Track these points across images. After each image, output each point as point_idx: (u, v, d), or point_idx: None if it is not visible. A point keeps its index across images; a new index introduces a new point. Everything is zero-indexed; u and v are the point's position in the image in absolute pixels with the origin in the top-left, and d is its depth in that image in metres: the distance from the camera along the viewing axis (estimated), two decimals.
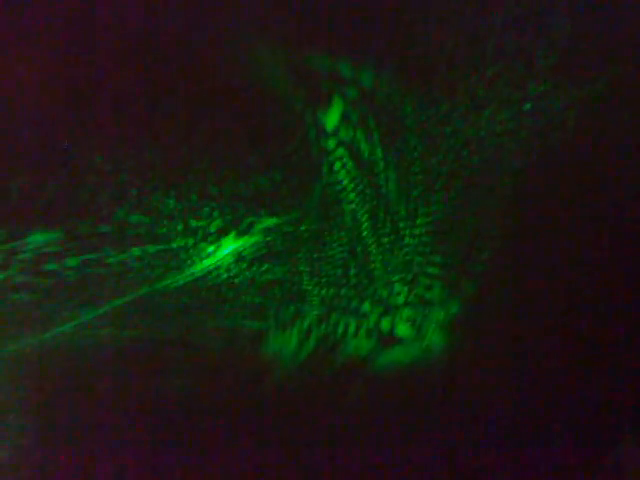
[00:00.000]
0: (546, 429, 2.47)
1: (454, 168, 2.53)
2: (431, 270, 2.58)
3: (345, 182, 2.55)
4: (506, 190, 2.51)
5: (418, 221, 2.57)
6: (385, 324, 2.58)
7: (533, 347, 2.46)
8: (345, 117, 2.50)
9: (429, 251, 2.58)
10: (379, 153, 2.52)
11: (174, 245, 2.58)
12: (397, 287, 2.58)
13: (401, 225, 2.56)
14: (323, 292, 2.59)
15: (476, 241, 2.54)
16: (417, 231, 2.57)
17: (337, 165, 2.53)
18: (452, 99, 2.49)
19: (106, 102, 2.46)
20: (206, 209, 2.57)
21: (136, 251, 2.58)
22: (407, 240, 2.57)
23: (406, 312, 2.57)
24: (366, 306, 2.59)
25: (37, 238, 2.46)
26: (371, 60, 2.44)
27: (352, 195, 2.55)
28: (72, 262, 2.52)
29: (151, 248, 2.57)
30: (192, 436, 2.57)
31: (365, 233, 2.58)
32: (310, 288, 2.59)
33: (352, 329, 2.60)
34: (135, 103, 2.48)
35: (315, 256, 2.58)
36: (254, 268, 2.58)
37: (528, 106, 2.50)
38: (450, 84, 2.45)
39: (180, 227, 2.58)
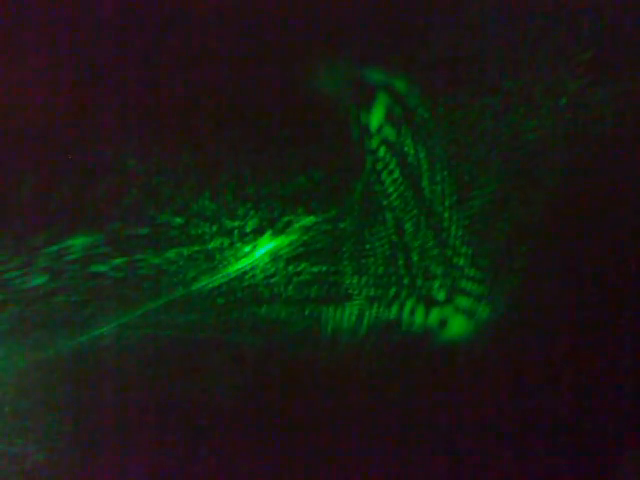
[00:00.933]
0: (556, 434, 2.50)
1: (495, 168, 2.52)
2: (472, 269, 2.58)
3: (387, 182, 2.54)
4: (548, 190, 2.51)
5: (458, 221, 2.56)
6: (431, 318, 2.59)
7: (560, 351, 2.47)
8: (388, 118, 2.49)
9: (470, 250, 2.58)
10: (421, 154, 2.51)
11: (210, 246, 2.58)
12: (438, 283, 2.58)
13: (444, 224, 2.56)
14: (364, 290, 2.59)
15: (516, 241, 2.54)
16: (458, 231, 2.56)
17: (379, 165, 2.51)
18: (491, 100, 2.47)
19: (139, 103, 2.44)
20: (242, 209, 2.56)
21: (172, 253, 2.58)
22: (448, 239, 2.57)
23: (449, 308, 2.58)
24: (409, 303, 2.60)
25: (78, 241, 2.46)
26: (415, 68, 2.44)
27: (393, 194, 2.54)
28: (111, 265, 2.52)
29: (187, 250, 2.57)
30: (235, 436, 2.59)
31: (406, 231, 2.57)
32: (350, 286, 2.58)
33: (394, 326, 2.61)
34: (169, 103, 2.46)
35: (355, 254, 2.58)
36: (291, 267, 2.58)
37: (564, 101, 2.48)
38: (489, 86, 2.45)
39: (215, 228, 2.57)
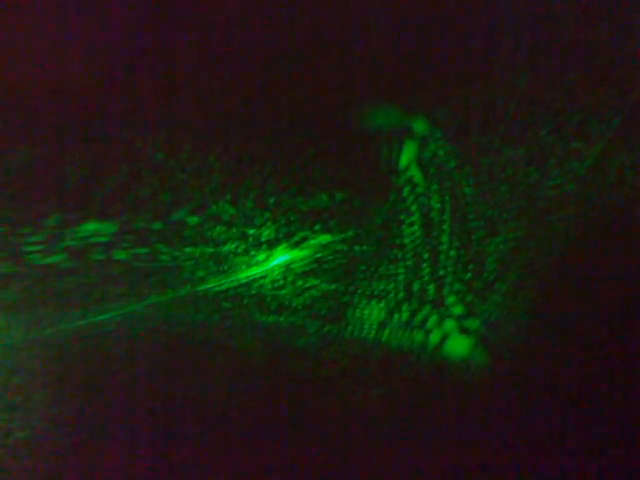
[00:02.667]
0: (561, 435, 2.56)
1: (515, 211, 2.57)
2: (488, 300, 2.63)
3: (409, 212, 2.58)
4: (556, 247, 2.57)
5: (471, 259, 2.61)
6: (441, 344, 2.64)
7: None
8: (417, 157, 2.55)
9: (480, 285, 2.63)
10: (446, 197, 2.57)
11: (223, 249, 2.62)
12: (449, 314, 2.64)
13: (460, 260, 2.61)
14: (373, 314, 2.64)
15: (531, 276, 2.59)
16: (469, 268, 2.61)
17: (405, 191, 2.56)
18: (513, 148, 2.53)
19: (175, 100, 2.48)
20: (260, 218, 2.60)
21: (184, 251, 2.63)
22: (462, 274, 2.62)
23: (460, 338, 2.63)
24: (417, 335, 2.65)
25: (90, 227, 2.50)
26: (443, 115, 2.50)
27: (414, 225, 2.59)
28: (120, 255, 2.57)
29: (199, 250, 2.62)
30: (224, 441, 2.64)
31: (422, 263, 2.61)
32: (359, 308, 2.63)
33: (401, 352, 2.66)
34: (204, 103, 2.50)
35: (368, 277, 2.62)
36: (300, 282, 2.63)
37: (588, 163, 2.54)
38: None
39: (231, 232, 2.62)
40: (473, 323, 2.60)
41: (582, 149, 2.56)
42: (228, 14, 2.47)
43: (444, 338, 2.61)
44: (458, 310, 2.61)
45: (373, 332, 2.63)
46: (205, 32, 2.46)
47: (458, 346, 2.61)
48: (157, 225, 2.56)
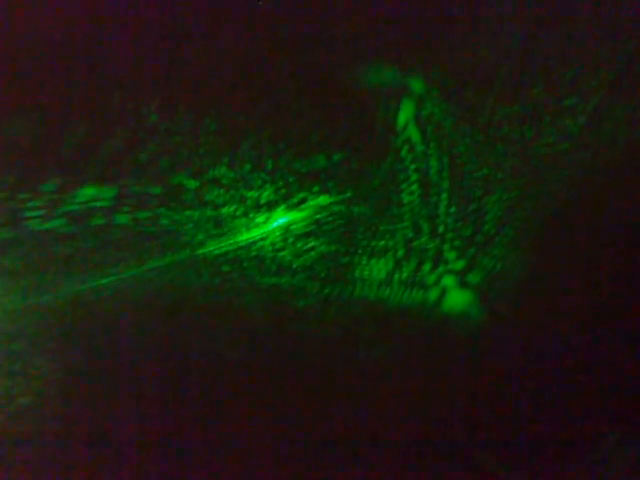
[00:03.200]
0: (536, 423, 2.62)
1: (510, 169, 2.61)
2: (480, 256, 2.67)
3: (408, 172, 2.60)
4: (546, 193, 2.61)
5: (469, 214, 2.65)
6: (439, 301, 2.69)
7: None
8: (416, 116, 2.56)
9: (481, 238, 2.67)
10: (443, 152, 2.58)
11: (222, 212, 2.64)
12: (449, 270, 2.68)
13: (459, 218, 2.64)
14: (373, 273, 2.68)
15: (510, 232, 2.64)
16: (467, 225, 2.65)
17: (403, 152, 2.58)
18: (508, 107, 2.55)
19: (170, 61, 2.47)
20: (258, 180, 2.62)
21: (182, 215, 2.64)
22: (463, 231, 2.66)
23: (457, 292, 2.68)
24: (417, 292, 2.69)
25: (88, 192, 2.51)
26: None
27: (414, 186, 2.61)
28: (120, 219, 2.58)
29: (198, 213, 2.64)
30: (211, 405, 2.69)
31: (421, 225, 2.64)
32: (359, 269, 2.67)
33: (398, 313, 2.70)
34: (199, 65, 2.50)
35: (366, 239, 2.65)
36: (300, 244, 2.65)
37: (582, 120, 2.56)
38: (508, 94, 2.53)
39: (230, 195, 2.63)
40: (473, 278, 2.64)
41: (576, 106, 2.58)
42: None
43: (444, 294, 2.65)
44: (458, 266, 2.65)
45: (374, 291, 2.67)
46: None
47: (459, 301, 2.65)
48: (156, 189, 2.57)
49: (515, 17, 2.53)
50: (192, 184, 2.62)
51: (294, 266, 2.68)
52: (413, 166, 2.61)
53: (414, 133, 2.58)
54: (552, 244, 2.63)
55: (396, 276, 2.65)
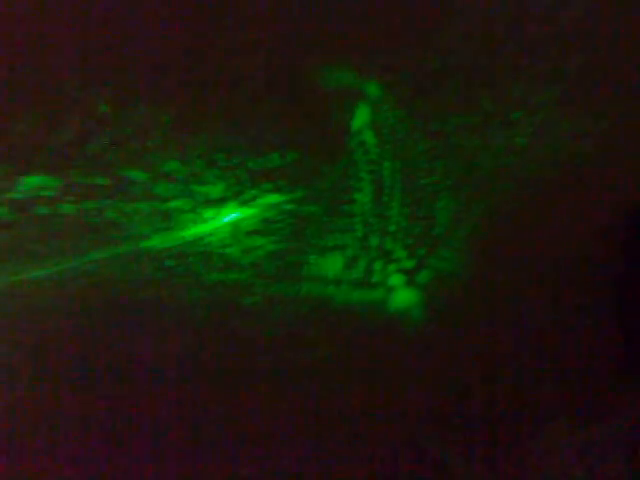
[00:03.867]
0: (484, 408, 2.75)
1: (452, 178, 2.71)
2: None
3: (360, 174, 2.66)
4: (488, 191, 2.73)
5: (420, 216, 2.73)
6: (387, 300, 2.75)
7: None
8: (371, 120, 2.62)
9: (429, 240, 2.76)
10: (396, 156, 2.66)
11: (170, 206, 2.62)
12: (396, 271, 2.75)
13: (409, 224, 2.72)
14: (316, 272, 2.72)
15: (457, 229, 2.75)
16: (417, 230, 2.73)
17: (357, 155, 2.63)
18: (456, 114, 2.65)
19: (122, 50, 2.44)
20: (209, 175, 2.61)
21: (129, 207, 2.61)
22: (405, 236, 2.73)
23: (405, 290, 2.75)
24: (364, 291, 2.75)
25: (33, 181, 2.45)
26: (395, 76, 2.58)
27: (366, 188, 2.67)
28: (65, 210, 2.53)
29: (145, 206, 2.61)
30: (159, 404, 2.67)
31: (371, 227, 2.71)
32: (306, 268, 2.70)
33: (344, 312, 2.75)
34: (154, 59, 2.47)
35: (314, 238, 2.69)
36: (248, 241, 2.67)
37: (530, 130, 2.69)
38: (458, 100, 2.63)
39: (179, 189, 2.62)
40: (422, 277, 2.73)
41: (523, 119, 2.70)
42: None
43: (393, 292, 2.72)
44: (408, 265, 2.72)
45: (321, 290, 2.71)
46: None
47: (407, 300, 2.73)
48: (103, 180, 2.53)
49: (467, 31, 2.62)
50: (141, 177, 2.58)
51: (241, 263, 2.69)
52: (366, 168, 2.67)
53: (368, 136, 2.64)
54: (498, 249, 2.74)
55: (345, 275, 2.71)
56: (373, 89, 2.61)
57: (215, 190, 2.62)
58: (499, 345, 2.70)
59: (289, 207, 2.68)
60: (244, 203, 2.66)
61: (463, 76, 2.64)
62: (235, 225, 2.67)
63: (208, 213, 2.65)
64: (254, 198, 2.65)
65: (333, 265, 2.72)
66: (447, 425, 2.71)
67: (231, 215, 2.66)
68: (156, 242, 2.67)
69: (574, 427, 2.70)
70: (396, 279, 2.76)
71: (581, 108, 2.71)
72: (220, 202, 2.64)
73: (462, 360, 2.68)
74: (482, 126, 2.68)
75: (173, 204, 2.62)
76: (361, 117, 2.62)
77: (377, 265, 2.75)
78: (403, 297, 2.75)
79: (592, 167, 2.74)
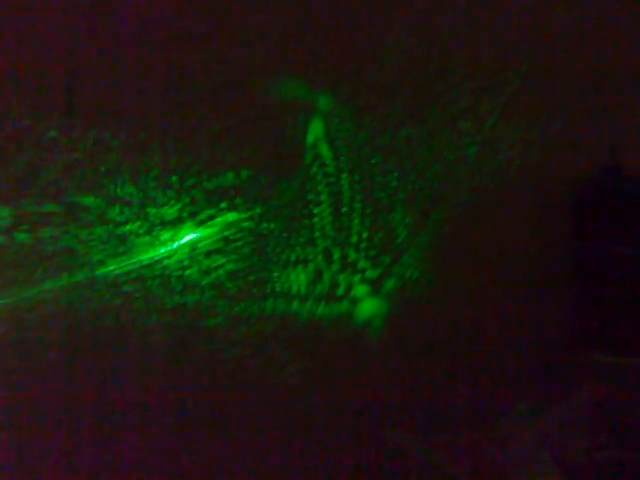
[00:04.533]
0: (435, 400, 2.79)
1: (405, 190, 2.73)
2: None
3: (318, 188, 2.66)
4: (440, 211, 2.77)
5: (377, 229, 2.74)
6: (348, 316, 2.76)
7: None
8: (325, 133, 2.62)
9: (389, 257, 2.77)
10: (347, 168, 2.67)
11: (123, 229, 2.59)
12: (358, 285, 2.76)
13: (362, 235, 2.73)
14: (279, 289, 2.71)
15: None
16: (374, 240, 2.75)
17: (313, 169, 2.63)
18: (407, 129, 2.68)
19: (70, 73, 2.41)
20: (163, 197, 2.59)
21: (81, 233, 2.57)
22: (365, 252, 2.75)
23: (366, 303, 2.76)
24: (328, 306, 2.75)
25: None
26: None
27: (325, 202, 2.67)
28: (18, 238, 2.48)
29: (99, 230, 2.57)
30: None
31: (331, 240, 2.71)
32: (268, 286, 2.69)
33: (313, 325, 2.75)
34: (103, 78, 2.44)
35: (275, 255, 2.68)
36: (207, 262, 2.65)
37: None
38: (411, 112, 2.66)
39: (132, 212, 2.59)
40: (387, 286, 2.74)
41: (471, 129, 2.74)
42: None
43: (358, 304, 2.73)
44: (371, 276, 2.73)
45: (285, 307, 2.70)
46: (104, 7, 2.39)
47: (372, 309, 2.74)
48: (56, 207, 2.49)
49: (415, 43, 2.65)
50: (94, 202, 2.55)
51: (202, 284, 2.66)
52: (324, 181, 2.67)
53: (323, 150, 2.64)
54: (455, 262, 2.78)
55: (309, 290, 2.70)
56: (324, 102, 2.61)
57: (170, 212, 2.60)
58: (459, 336, 2.74)
59: (247, 225, 2.66)
60: (201, 223, 2.64)
61: (412, 87, 2.66)
62: (193, 246, 2.65)
63: (165, 235, 2.62)
64: (211, 217, 2.63)
65: (296, 280, 2.72)
66: (407, 414, 2.74)
67: (188, 236, 2.64)
68: (112, 267, 2.63)
69: (534, 410, 2.75)
70: (361, 290, 2.76)
71: (527, 116, 2.77)
72: (176, 223, 2.61)
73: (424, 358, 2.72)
74: (430, 137, 2.71)
75: (128, 228, 2.59)
76: (315, 131, 2.62)
77: (341, 277, 2.75)
78: (369, 307, 2.76)
79: (539, 173, 2.81)
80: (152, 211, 2.60)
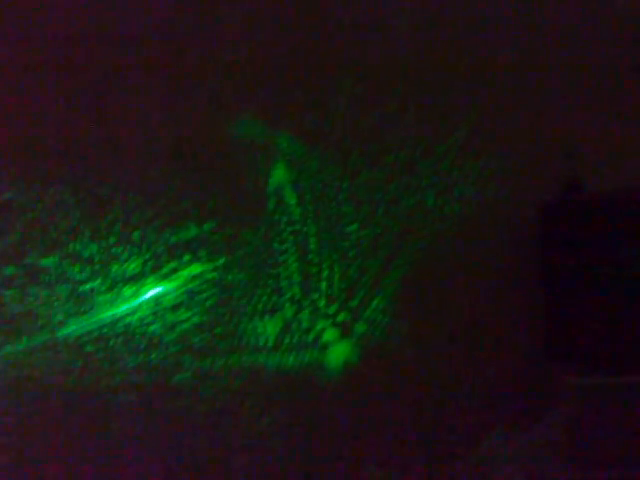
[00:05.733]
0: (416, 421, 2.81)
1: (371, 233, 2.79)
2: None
3: (283, 236, 2.68)
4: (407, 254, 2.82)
5: (342, 276, 2.77)
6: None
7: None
8: (288, 180, 2.66)
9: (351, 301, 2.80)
10: (311, 215, 2.71)
11: (86, 287, 2.58)
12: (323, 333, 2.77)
13: (324, 284, 2.76)
14: (246, 341, 2.71)
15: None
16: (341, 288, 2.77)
17: (277, 216, 2.66)
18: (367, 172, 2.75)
19: (24, 132, 2.42)
20: (125, 253, 2.59)
21: (41, 294, 2.55)
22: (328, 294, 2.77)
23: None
24: (291, 357, 2.75)
25: None
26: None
27: (291, 249, 2.69)
28: None
29: (60, 291, 2.56)
30: None
31: (297, 287, 2.72)
32: (234, 338, 2.69)
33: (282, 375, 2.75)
34: (58, 135, 2.46)
35: (241, 306, 2.69)
36: (172, 316, 2.64)
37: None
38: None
39: (92, 270, 2.58)
40: (357, 329, 2.76)
41: (429, 167, 2.81)
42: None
43: (328, 349, 2.74)
44: (340, 320, 2.75)
45: (253, 359, 2.70)
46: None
47: (343, 354, 2.75)
48: (14, 269, 2.47)
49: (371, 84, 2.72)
50: (53, 262, 2.53)
51: (166, 340, 2.65)
52: (289, 229, 2.70)
53: (288, 196, 2.67)
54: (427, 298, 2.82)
55: (278, 339, 2.71)
56: (286, 144, 2.65)
57: (133, 267, 2.59)
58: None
59: (212, 276, 2.67)
60: (164, 277, 2.63)
61: (369, 130, 2.73)
62: (156, 301, 2.64)
63: (127, 291, 2.61)
64: (174, 271, 2.63)
65: (264, 331, 2.72)
66: (381, 443, 2.75)
67: (152, 291, 2.63)
68: (73, 328, 2.61)
69: (510, 433, 2.79)
70: (330, 334, 2.78)
71: (486, 150, 2.85)
72: (139, 279, 2.61)
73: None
74: (388, 181, 2.78)
75: (88, 286, 2.58)
76: (278, 176, 2.65)
77: (310, 324, 2.76)
78: (339, 352, 2.78)
79: (502, 203, 2.89)
80: (114, 267, 2.59)
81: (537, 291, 2.88)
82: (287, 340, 2.73)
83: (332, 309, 2.76)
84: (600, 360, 2.71)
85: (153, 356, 2.66)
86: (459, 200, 2.87)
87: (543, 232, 2.89)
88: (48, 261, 2.51)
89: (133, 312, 2.64)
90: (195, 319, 2.67)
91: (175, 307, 2.66)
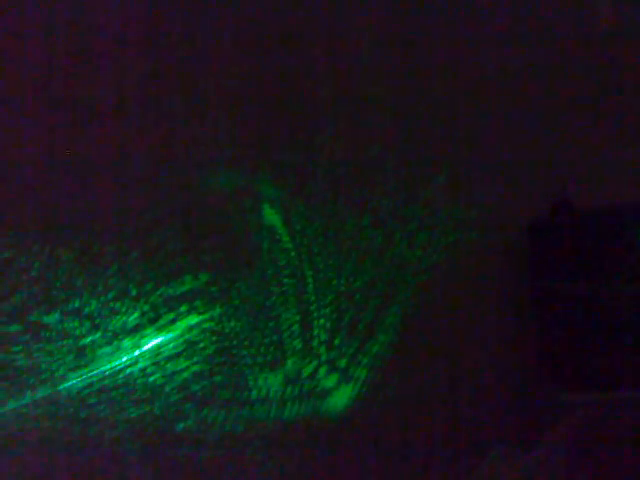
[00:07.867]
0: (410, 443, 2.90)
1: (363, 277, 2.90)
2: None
3: (278, 280, 2.80)
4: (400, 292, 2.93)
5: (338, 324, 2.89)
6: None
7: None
8: (277, 223, 2.79)
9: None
10: (306, 263, 2.83)
11: (85, 342, 2.70)
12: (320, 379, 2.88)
13: (321, 332, 2.87)
14: (246, 389, 2.82)
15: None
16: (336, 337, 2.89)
17: (269, 270, 2.78)
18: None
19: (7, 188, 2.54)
20: (123, 306, 2.71)
21: (43, 350, 2.67)
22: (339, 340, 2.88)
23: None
24: (298, 403, 2.86)
25: None
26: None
27: (287, 293, 2.81)
28: None
29: (59, 346, 2.67)
30: None
31: (293, 334, 2.84)
32: (234, 387, 2.81)
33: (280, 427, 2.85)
34: (44, 192, 2.58)
35: (239, 355, 2.81)
36: (171, 366, 2.76)
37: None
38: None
39: (91, 324, 2.70)
40: (357, 374, 2.87)
41: (412, 211, 2.94)
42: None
43: (329, 395, 2.84)
44: (340, 365, 2.86)
45: (254, 408, 2.82)
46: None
47: (344, 398, 2.86)
48: (13, 327, 2.59)
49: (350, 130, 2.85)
50: (51, 318, 2.65)
51: (166, 390, 2.77)
52: (284, 273, 2.82)
53: (278, 242, 2.80)
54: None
55: (278, 388, 2.82)
56: (270, 191, 2.78)
57: (131, 319, 2.71)
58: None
59: (209, 325, 2.79)
60: (162, 328, 2.76)
61: (351, 175, 2.86)
62: (156, 352, 2.76)
63: (126, 343, 2.73)
64: (172, 322, 2.76)
65: (264, 379, 2.84)
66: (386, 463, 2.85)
67: (150, 342, 2.75)
68: (74, 381, 2.72)
69: (513, 454, 2.87)
70: (331, 380, 2.88)
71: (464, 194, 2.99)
72: (137, 331, 2.73)
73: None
74: (374, 225, 2.91)
75: (88, 340, 2.70)
76: (267, 222, 2.78)
77: (311, 370, 2.87)
78: (340, 397, 2.88)
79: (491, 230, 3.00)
80: (112, 321, 2.72)
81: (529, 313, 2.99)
82: (287, 388, 2.84)
83: (332, 354, 2.87)
84: (593, 378, 2.81)
85: (156, 405, 2.78)
86: (449, 234, 2.98)
87: (533, 254, 2.99)
88: (48, 317, 2.63)
89: (133, 363, 2.76)
90: (194, 368, 2.79)
91: (174, 357, 2.78)
